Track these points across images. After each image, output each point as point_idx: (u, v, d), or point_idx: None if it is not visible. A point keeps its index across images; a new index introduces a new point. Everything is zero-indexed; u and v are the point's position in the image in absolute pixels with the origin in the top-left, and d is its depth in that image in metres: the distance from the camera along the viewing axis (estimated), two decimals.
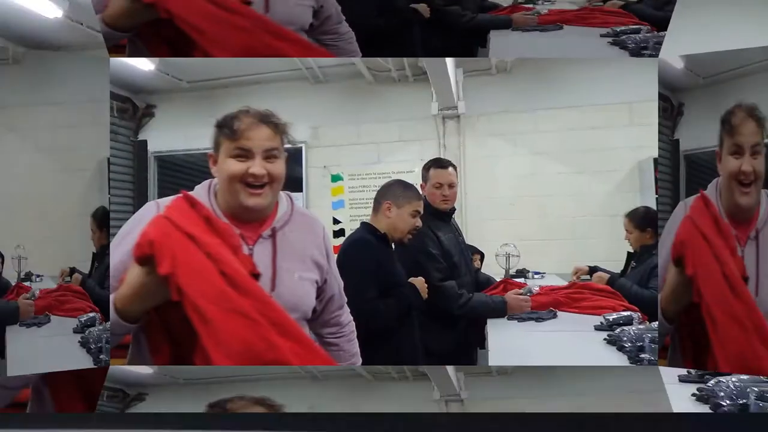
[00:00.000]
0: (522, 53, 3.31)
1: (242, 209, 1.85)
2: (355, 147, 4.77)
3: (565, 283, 3.35)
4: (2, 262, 2.92)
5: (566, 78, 4.54)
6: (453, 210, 3.15)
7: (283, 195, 1.95)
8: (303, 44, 2.40)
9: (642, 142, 4.19)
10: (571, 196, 4.54)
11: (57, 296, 3.00)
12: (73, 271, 3.02)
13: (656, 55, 2.87)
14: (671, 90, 3.10)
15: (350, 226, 4.61)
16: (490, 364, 3.16)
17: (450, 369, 3.64)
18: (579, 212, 4.52)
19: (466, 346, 3.14)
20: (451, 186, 3.08)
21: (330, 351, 2.13)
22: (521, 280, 3.67)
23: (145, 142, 4.57)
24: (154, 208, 1.84)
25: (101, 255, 3.03)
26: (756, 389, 2.38)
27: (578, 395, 3.66)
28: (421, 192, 2.98)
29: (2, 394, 2.69)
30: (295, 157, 4.60)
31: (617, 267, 3.37)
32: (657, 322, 2.36)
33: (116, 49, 2.48)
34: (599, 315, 2.91)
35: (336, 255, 2.18)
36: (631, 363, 2.61)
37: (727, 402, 2.41)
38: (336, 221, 4.75)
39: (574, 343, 2.80)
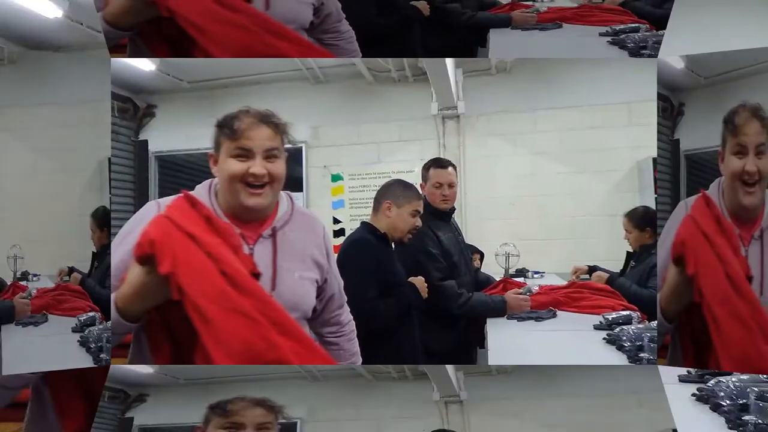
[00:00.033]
0: (522, 52, 3.31)
1: (243, 209, 1.85)
2: (355, 147, 4.77)
3: (564, 283, 3.35)
4: None
5: (566, 78, 4.54)
6: (453, 210, 3.15)
7: (283, 195, 1.95)
8: (303, 44, 2.40)
9: (641, 141, 4.20)
10: (570, 196, 4.54)
11: (55, 295, 3.00)
12: (71, 270, 3.03)
13: (655, 55, 2.88)
14: (671, 90, 3.11)
15: (350, 226, 4.62)
16: (489, 363, 3.17)
17: (450, 368, 3.66)
18: (578, 212, 4.52)
19: (465, 345, 3.14)
20: (451, 186, 3.09)
21: (330, 350, 2.13)
22: (521, 279, 3.68)
23: (145, 142, 4.57)
24: (154, 207, 1.85)
25: (102, 254, 3.03)
26: (756, 389, 2.39)
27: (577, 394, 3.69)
28: (420, 192, 2.99)
29: (2, 394, 2.70)
30: (295, 157, 4.61)
31: (616, 266, 3.38)
32: (656, 322, 2.36)
33: (117, 49, 2.48)
34: (598, 314, 2.91)
35: (336, 254, 2.19)
36: (630, 362, 2.62)
37: (727, 402, 2.42)
38: (336, 221, 4.76)
39: (574, 342, 2.81)
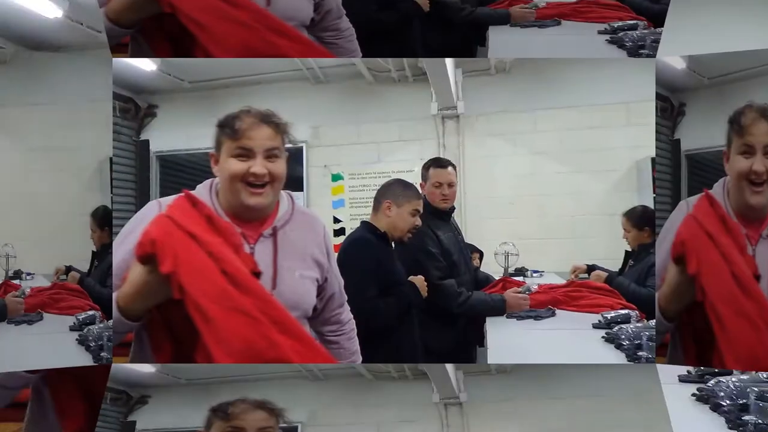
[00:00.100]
0: (521, 51, 3.31)
1: (243, 208, 1.86)
2: (356, 146, 4.77)
3: (563, 282, 3.36)
4: None
5: (565, 78, 4.54)
6: (452, 209, 3.16)
7: (283, 194, 1.96)
8: (304, 42, 2.40)
9: (640, 141, 4.19)
10: (569, 195, 4.54)
11: (51, 294, 3.00)
12: (69, 269, 3.03)
13: (654, 54, 2.88)
14: (671, 90, 3.11)
15: (350, 225, 4.62)
16: (489, 362, 3.18)
17: (449, 367, 3.66)
18: (577, 211, 4.52)
19: (465, 344, 3.15)
20: (451, 185, 3.09)
21: (330, 349, 2.14)
22: (520, 278, 3.68)
23: (147, 142, 4.56)
24: (156, 207, 1.85)
25: (102, 254, 3.04)
26: (756, 389, 2.40)
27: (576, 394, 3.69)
28: (420, 191, 3.00)
29: (2, 394, 2.70)
30: (295, 157, 4.60)
31: (615, 265, 3.38)
32: (655, 320, 2.36)
33: (118, 48, 2.49)
34: (597, 313, 2.92)
35: (336, 254, 2.19)
36: (628, 361, 2.63)
37: (727, 402, 2.43)
38: (336, 220, 4.76)
39: (573, 341, 2.82)
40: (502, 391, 3.91)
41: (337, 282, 2.11)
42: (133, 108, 4.45)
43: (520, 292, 3.08)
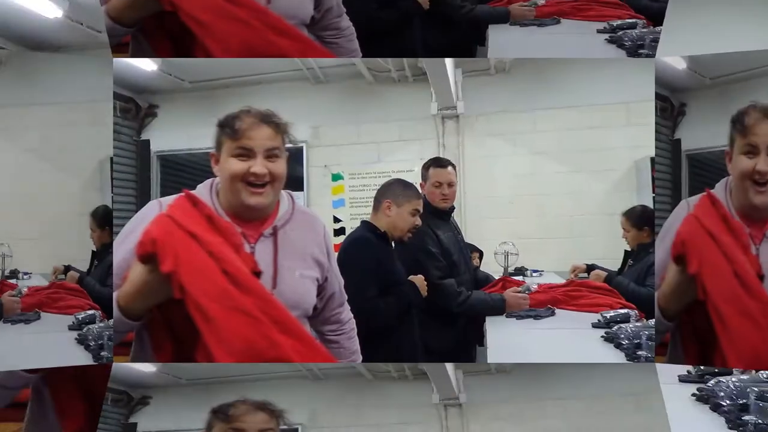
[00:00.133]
0: (520, 50, 3.31)
1: (244, 208, 1.86)
2: (356, 146, 4.77)
3: (563, 281, 3.36)
4: None
5: (564, 78, 4.54)
6: (452, 209, 3.16)
7: (284, 194, 1.96)
8: (304, 42, 2.40)
9: (639, 141, 4.19)
10: (569, 195, 4.55)
11: (49, 293, 3.00)
12: (67, 269, 3.03)
13: (653, 54, 2.88)
14: (672, 90, 3.12)
15: (351, 225, 4.62)
16: (488, 361, 3.19)
17: (449, 367, 3.67)
18: (577, 211, 4.53)
19: (465, 343, 3.15)
20: (451, 185, 3.10)
21: (331, 348, 2.14)
22: (520, 278, 3.69)
23: (147, 142, 4.57)
24: (156, 206, 1.86)
25: (102, 253, 3.04)
26: (756, 389, 2.40)
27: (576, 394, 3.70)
28: (420, 191, 3.00)
29: (2, 394, 2.70)
30: (296, 157, 4.61)
31: (615, 265, 3.39)
32: (654, 320, 2.36)
33: (119, 48, 2.49)
34: (597, 312, 2.93)
35: (336, 253, 2.20)
36: (628, 360, 2.63)
37: (727, 402, 2.43)
38: (336, 220, 4.76)
39: (572, 340, 2.82)
40: (502, 392, 3.92)
41: (337, 281, 2.11)
42: (134, 108, 4.45)
43: (519, 292, 3.08)
